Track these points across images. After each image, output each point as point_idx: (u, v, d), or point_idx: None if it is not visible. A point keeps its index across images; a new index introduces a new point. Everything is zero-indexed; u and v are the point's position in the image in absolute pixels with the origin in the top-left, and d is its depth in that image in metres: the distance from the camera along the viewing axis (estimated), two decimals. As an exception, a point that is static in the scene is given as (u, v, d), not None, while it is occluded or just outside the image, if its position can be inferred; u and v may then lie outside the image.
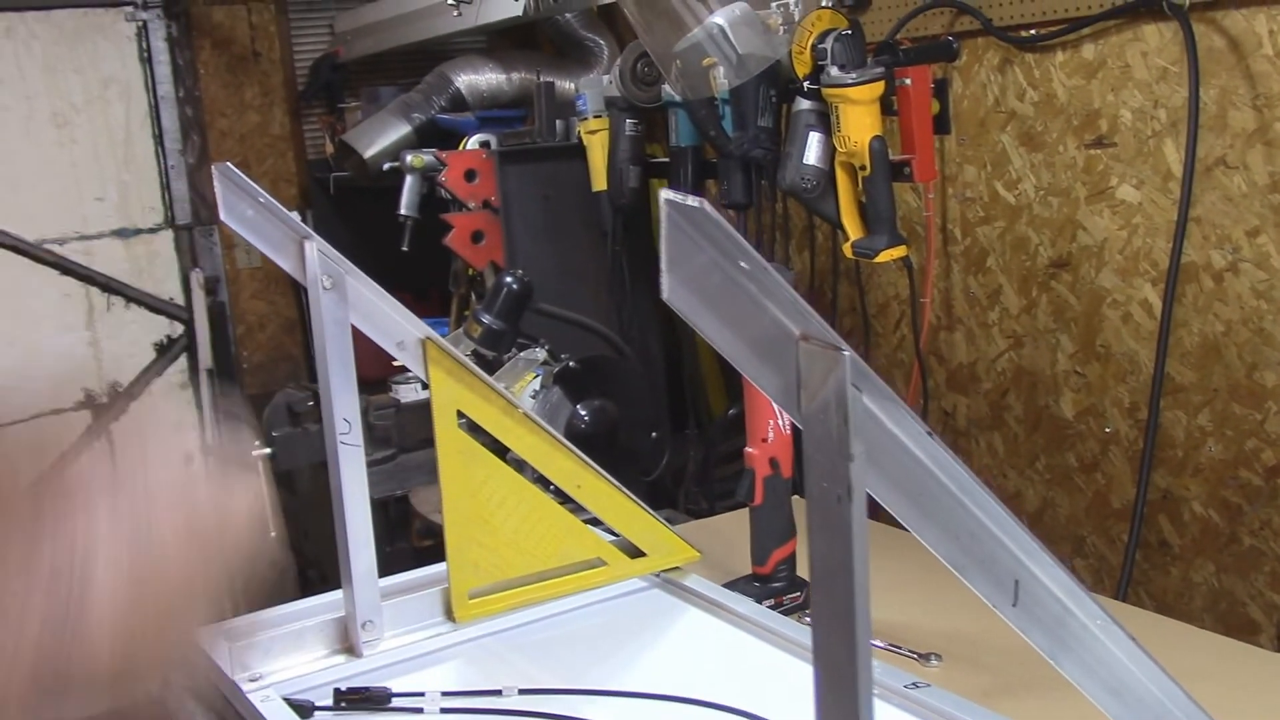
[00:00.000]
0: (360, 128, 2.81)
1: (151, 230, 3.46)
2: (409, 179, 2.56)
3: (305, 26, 3.54)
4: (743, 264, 0.62)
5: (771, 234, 2.28)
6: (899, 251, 1.81)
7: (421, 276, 2.89)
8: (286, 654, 1.32)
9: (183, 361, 3.56)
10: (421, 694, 1.26)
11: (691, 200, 0.60)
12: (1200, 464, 2.08)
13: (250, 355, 3.60)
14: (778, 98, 1.94)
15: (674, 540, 1.49)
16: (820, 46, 1.77)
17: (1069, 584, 0.78)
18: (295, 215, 3.23)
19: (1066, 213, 2.22)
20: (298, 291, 3.60)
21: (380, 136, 2.73)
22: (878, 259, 1.81)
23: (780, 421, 1.40)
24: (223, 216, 1.22)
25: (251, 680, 1.28)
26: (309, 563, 2.88)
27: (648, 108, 2.28)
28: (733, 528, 1.62)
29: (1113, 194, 2.13)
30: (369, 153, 2.72)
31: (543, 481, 1.45)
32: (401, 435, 2.62)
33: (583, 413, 2.05)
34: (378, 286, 1.28)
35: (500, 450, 1.40)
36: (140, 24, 3.39)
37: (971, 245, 2.45)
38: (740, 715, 1.20)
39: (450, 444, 1.35)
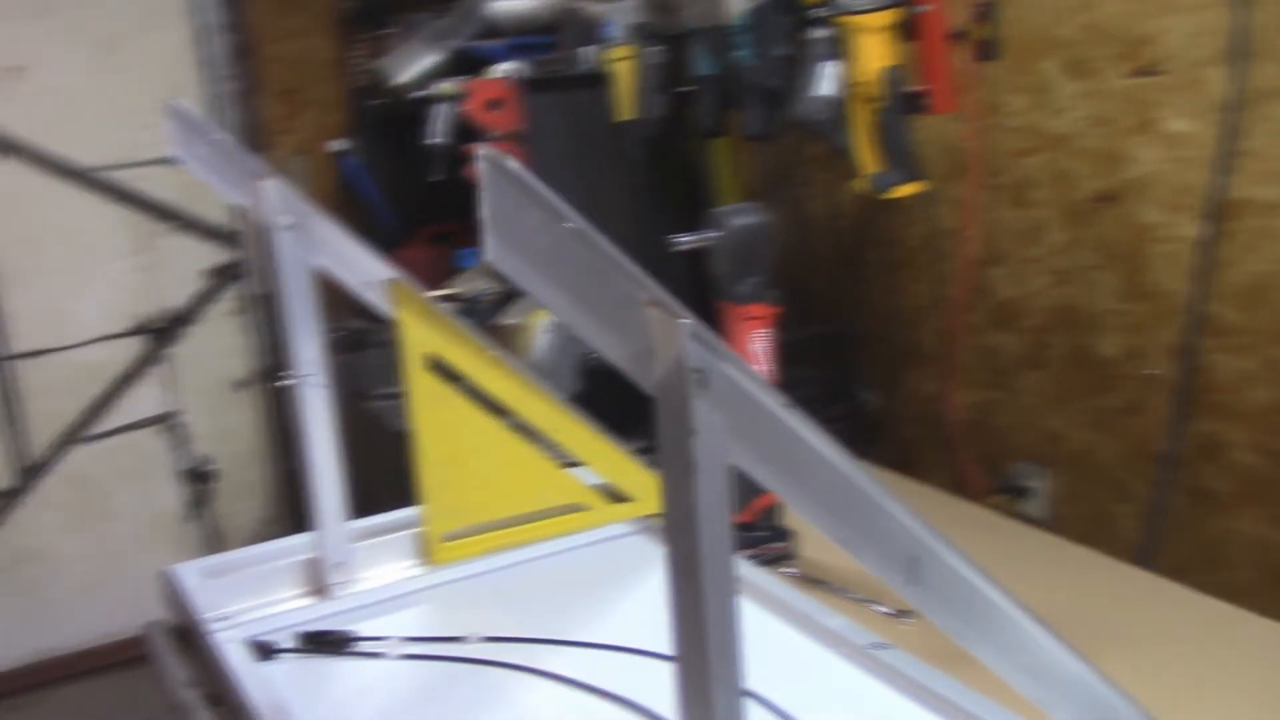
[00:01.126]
0: (393, 55, 2.78)
1: (202, 158, 3.47)
2: (439, 108, 2.53)
3: (354, -50, 3.50)
4: (569, 225, 0.58)
5: (797, 164, 2.21)
6: (914, 187, 1.74)
7: (467, 205, 2.86)
8: (257, 594, 1.33)
9: (235, 288, 3.59)
10: (383, 639, 1.25)
11: (510, 162, 0.56)
12: (1245, 409, 1.99)
13: (301, 283, 3.61)
14: (796, 25, 1.86)
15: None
16: (834, -29, 1.69)
17: (975, 568, 0.74)
18: (339, 142, 3.22)
19: (1112, 144, 2.12)
20: (348, 218, 3.60)
21: (411, 64, 2.69)
22: (891, 194, 1.74)
23: (761, 367, 1.35)
24: (174, 154, 1.20)
25: (219, 619, 1.29)
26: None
27: (673, 35, 2.21)
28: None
29: (1159, 125, 2.02)
30: (400, 80, 2.68)
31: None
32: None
33: (594, 351, 2.02)
34: (340, 228, 1.25)
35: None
36: (189, -50, 3.39)
37: (1015, 177, 2.36)
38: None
39: (421, 387, 1.33)
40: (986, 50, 2.16)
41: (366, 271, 1.28)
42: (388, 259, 3.55)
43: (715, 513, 0.63)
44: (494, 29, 2.66)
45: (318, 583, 1.34)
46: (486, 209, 0.57)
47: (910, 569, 0.73)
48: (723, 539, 0.64)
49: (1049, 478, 2.43)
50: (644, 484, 1.45)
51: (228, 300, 3.56)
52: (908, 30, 1.75)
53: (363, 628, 1.27)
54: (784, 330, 2.82)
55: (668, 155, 2.36)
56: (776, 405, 0.64)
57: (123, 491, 3.54)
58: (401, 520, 1.43)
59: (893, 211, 2.61)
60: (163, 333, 3.51)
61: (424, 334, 1.30)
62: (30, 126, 3.24)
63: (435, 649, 1.24)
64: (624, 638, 1.24)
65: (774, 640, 1.22)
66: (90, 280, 3.40)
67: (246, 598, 1.32)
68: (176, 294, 3.51)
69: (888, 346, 2.74)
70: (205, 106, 3.45)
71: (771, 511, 1.41)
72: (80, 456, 3.47)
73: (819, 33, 1.79)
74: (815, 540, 1.47)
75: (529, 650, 1.23)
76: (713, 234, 1.33)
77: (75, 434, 3.45)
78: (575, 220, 0.58)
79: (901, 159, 1.73)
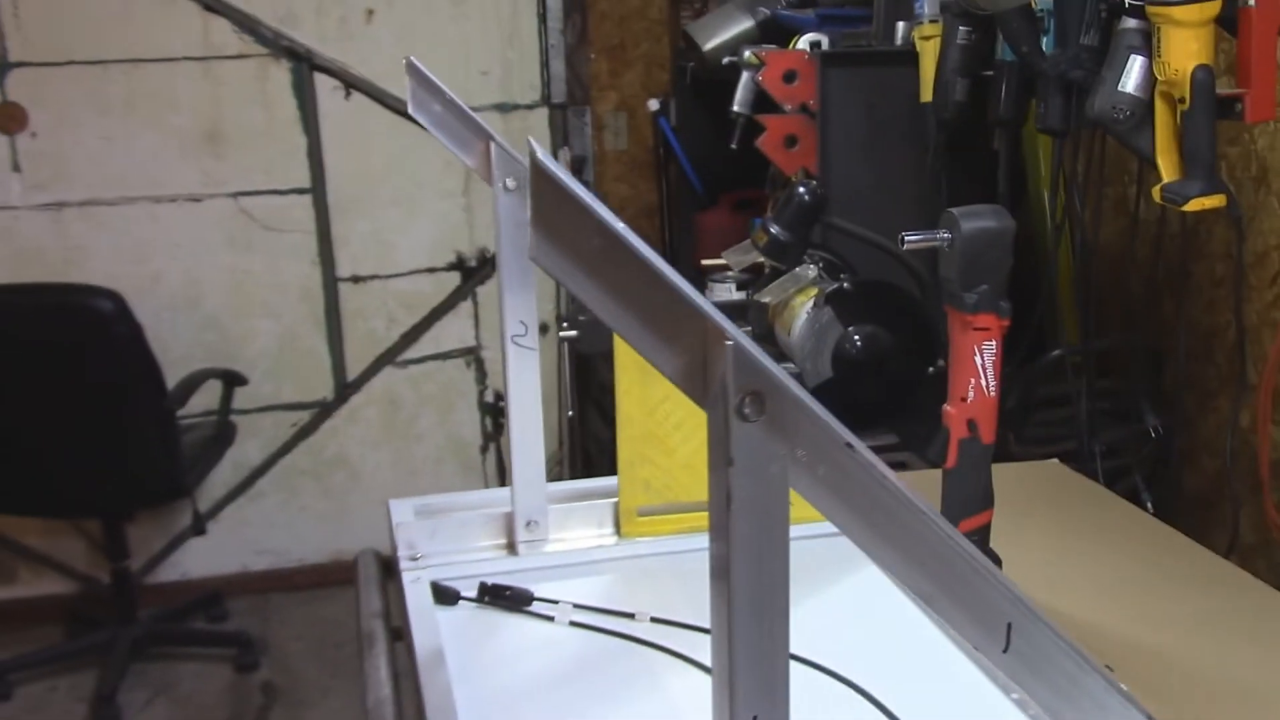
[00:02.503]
0: (705, 19, 2.78)
1: (529, 106, 3.62)
2: (744, 75, 2.51)
3: (696, -90, 3.51)
4: (616, 230, 0.55)
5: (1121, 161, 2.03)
6: (1213, 201, 1.56)
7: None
8: (455, 539, 1.37)
9: (546, 236, 3.72)
10: (558, 602, 1.26)
11: (555, 162, 0.53)
12: None
13: (617, 237, 3.69)
14: (1107, 13, 1.71)
15: (869, 490, 1.39)
16: (1150, -46, 1.53)
17: (1073, 643, 0.66)
18: (655, 102, 3.25)
19: None
20: (660, 178, 3.65)
21: (722, 29, 2.67)
22: (1187, 207, 1.57)
23: (984, 381, 1.26)
24: (411, 110, 1.23)
25: (412, 558, 1.34)
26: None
27: (984, 14, 2.07)
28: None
29: None
30: (708, 45, 2.68)
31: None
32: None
33: (855, 336, 1.95)
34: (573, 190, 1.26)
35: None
36: (532, -95, 3.51)
37: (1370, 197, 2.09)
38: (864, 697, 1.11)
39: (628, 357, 1.32)
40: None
41: (585, 238, 1.27)
42: (691, 221, 3.54)
43: (762, 552, 0.59)
44: (811, -3, 2.61)
45: (510, 537, 1.37)
46: (531, 206, 0.54)
47: (1005, 636, 0.66)
48: (773, 585, 0.60)
49: (1368, 538, 2.16)
50: (853, 486, 1.39)
51: (538, 246, 3.69)
52: (1230, 25, 1.57)
53: (542, 588, 1.29)
54: (1083, 338, 2.64)
55: (968, 143, 2.24)
56: (846, 439, 0.59)
57: (425, 415, 3.76)
58: (601, 488, 1.43)
59: (1227, 222, 2.37)
60: (475, 271, 3.69)
61: (636, 306, 1.29)
62: (375, 67, 3.47)
63: (604, 621, 1.24)
64: (796, 644, 1.19)
65: (941, 669, 1.15)
66: (416, 215, 3.62)
67: (446, 541, 1.37)
68: (493, 236, 3.67)
69: (1196, 370, 2.50)
70: (538, 58, 3.58)
71: (979, 534, 1.31)
72: (391, 378, 3.72)
73: (1130, 23, 1.64)
74: (1023, 571, 1.36)
75: (693, 638, 1.21)
76: (944, 235, 1.25)
77: (389, 357, 3.70)
78: (620, 226, 0.55)
79: (1203, 169, 1.55)
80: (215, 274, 3.54)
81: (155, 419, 2.90)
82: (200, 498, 3.67)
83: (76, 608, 3.53)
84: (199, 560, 3.73)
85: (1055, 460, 1.74)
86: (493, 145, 1.22)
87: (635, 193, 3.68)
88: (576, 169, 3.62)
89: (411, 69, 1.21)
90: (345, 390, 3.71)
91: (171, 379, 3.09)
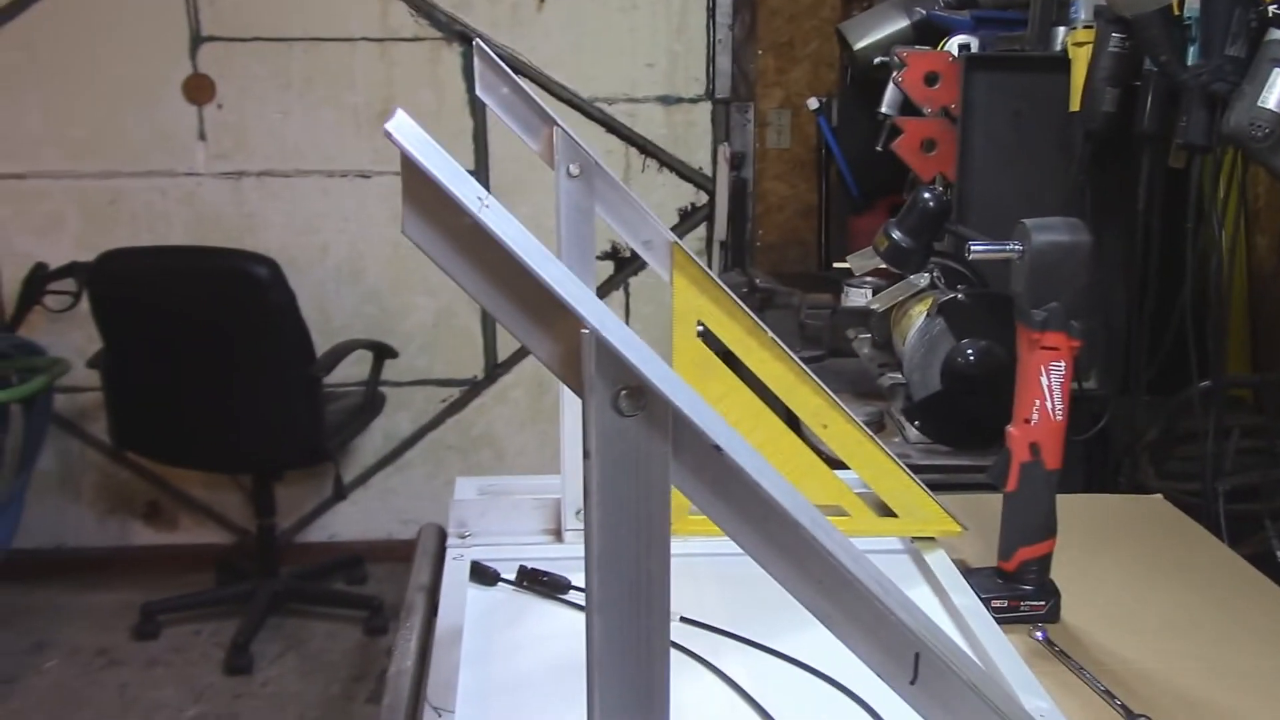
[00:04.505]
0: (860, 18, 2.70)
1: (692, 100, 3.61)
2: (894, 76, 2.43)
3: (875, -92, 3.43)
4: (488, 209, 0.53)
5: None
6: (1352, 230, 1.44)
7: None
8: (503, 520, 1.37)
9: (701, 230, 3.71)
10: (591, 593, 1.26)
11: (421, 132, 0.52)
12: None
13: (764, 235, 3.67)
14: (1257, 23, 1.59)
15: (932, 507, 1.34)
16: (1299, -39, 1.42)
17: (986, 675, 0.62)
18: (815, 101, 3.18)
19: None
20: (820, 178, 3.59)
21: (875, 29, 2.60)
22: (1322, 235, 1.45)
23: (1050, 403, 1.19)
24: (479, 92, 1.24)
25: (460, 536, 1.35)
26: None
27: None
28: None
29: None
30: (859, 45, 2.61)
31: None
32: (834, 338, 2.58)
33: (968, 350, 1.88)
34: (623, 185, 1.25)
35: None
36: (707, -102, 3.51)
37: None
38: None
39: (686, 353, 1.30)
40: None
41: (647, 229, 1.26)
42: (848, 221, 3.46)
43: (633, 550, 0.57)
44: (969, -1, 2.52)
45: (559, 524, 1.37)
46: (403, 179, 0.54)
47: (913, 666, 0.62)
48: (651, 585, 0.58)
49: None
50: (914, 501, 1.34)
51: (692, 240, 3.69)
52: (1388, 40, 1.44)
53: (581, 577, 1.28)
54: (1250, 371, 2.47)
55: (1117, 156, 2.12)
56: (714, 442, 0.56)
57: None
58: (659, 483, 1.42)
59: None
60: (628, 262, 3.70)
61: (697, 301, 1.27)
62: (543, 54, 3.52)
63: (633, 617, 1.22)
64: (820, 659, 1.16)
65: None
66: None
67: (496, 521, 1.38)
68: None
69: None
70: (704, 52, 3.57)
71: (1038, 564, 1.24)
72: (538, 361, 3.77)
73: (1277, 34, 1.52)
74: (1087, 607, 1.28)
75: (719, 644, 1.18)
76: (1014, 246, 1.18)
77: (538, 340, 3.75)
78: (494, 204, 0.54)
79: (1343, 194, 1.43)
80: (379, 249, 3.66)
81: (301, 384, 3.02)
82: (351, 464, 3.80)
83: (228, 558, 3.71)
84: (348, 524, 3.87)
85: (1159, 496, 1.63)
86: (556, 131, 1.22)
87: (794, 192, 3.64)
88: (736, 165, 3.60)
89: (479, 51, 1.22)
90: (495, 370, 3.78)
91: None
